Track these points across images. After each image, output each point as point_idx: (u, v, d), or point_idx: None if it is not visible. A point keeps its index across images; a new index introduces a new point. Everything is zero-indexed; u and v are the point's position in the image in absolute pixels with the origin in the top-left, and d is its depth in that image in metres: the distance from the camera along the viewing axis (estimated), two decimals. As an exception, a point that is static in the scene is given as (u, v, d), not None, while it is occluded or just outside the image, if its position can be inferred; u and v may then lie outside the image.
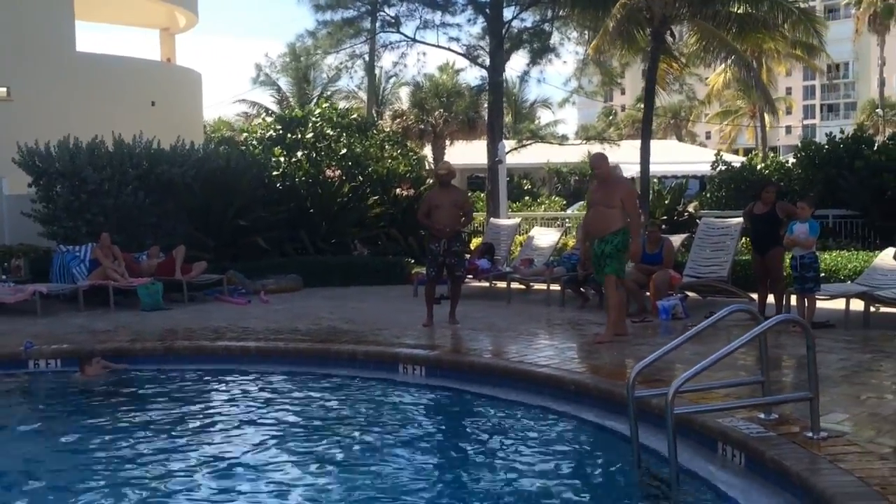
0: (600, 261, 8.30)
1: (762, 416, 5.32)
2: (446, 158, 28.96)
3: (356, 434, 6.28)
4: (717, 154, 20.23)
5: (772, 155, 22.32)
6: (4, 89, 16.32)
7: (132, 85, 18.19)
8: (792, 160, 17.52)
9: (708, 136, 72.17)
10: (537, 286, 12.44)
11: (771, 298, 9.56)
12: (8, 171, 14.26)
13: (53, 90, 16.51)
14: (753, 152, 29.88)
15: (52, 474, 5.46)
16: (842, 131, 16.65)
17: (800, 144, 18.39)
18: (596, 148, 31.60)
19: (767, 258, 9.46)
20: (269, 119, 23.15)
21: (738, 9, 16.40)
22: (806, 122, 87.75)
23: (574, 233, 15.90)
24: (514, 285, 12.38)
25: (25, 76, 16.36)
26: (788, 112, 71.19)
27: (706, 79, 38.72)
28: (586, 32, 19.93)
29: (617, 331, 8.40)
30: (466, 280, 11.49)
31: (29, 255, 12.92)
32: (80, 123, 14.33)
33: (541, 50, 20.90)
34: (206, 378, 8.11)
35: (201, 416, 6.90)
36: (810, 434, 4.92)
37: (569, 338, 8.92)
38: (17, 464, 5.77)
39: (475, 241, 17.16)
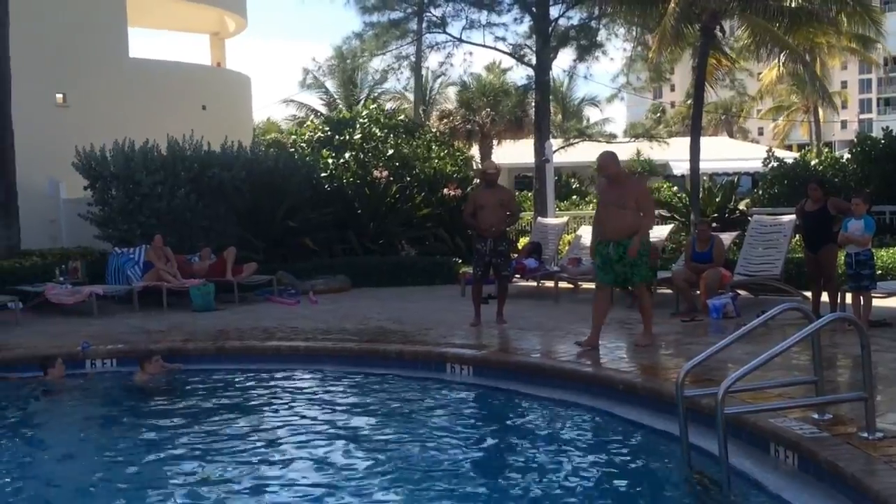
0: (615, 265, 7.84)
1: (816, 416, 5.23)
2: (493, 158, 28.93)
3: (403, 433, 6.31)
4: (770, 150, 19.88)
5: (826, 151, 21.85)
6: (61, 95, 16.72)
7: (184, 89, 18.49)
8: (847, 156, 17.14)
9: (760, 133, 70.99)
10: (585, 285, 12.35)
11: (825, 297, 9.37)
12: (65, 176, 14.63)
13: (108, 95, 16.87)
14: (807, 148, 29.32)
15: (111, 470, 5.60)
16: (899, 125, 16.24)
17: (855, 139, 17.96)
18: (645, 146, 31.38)
19: (820, 256, 9.28)
20: (316, 121, 23.36)
21: (790, 2, 16.08)
22: (862, 116, 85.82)
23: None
24: (562, 284, 12.31)
25: (81, 82, 16.74)
26: (843, 106, 69.64)
27: (758, 74, 38.06)
28: (633, 29, 19.74)
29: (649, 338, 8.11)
30: (514, 279, 11.47)
31: (86, 257, 13.22)
32: (133, 127, 14.62)
33: (588, 47, 20.76)
34: (257, 377, 8.21)
35: (252, 414, 7.01)
36: (865, 435, 4.82)
37: (617, 337, 8.85)
38: (78, 458, 5.93)
39: (523, 241, 17.11)
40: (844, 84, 78.15)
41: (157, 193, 13.09)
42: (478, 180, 16.15)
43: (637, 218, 7.79)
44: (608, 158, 8.07)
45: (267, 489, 5.13)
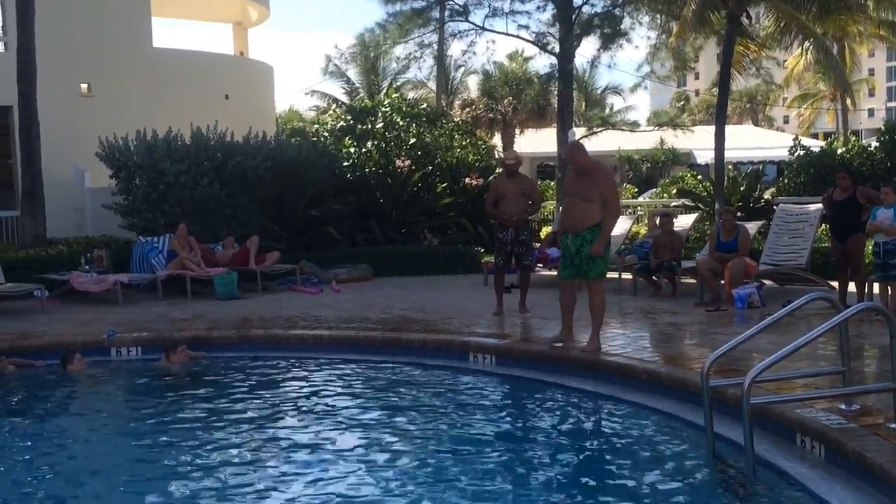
0: (575, 258, 7.42)
1: (843, 406, 5.17)
2: (516, 147, 28.84)
3: (426, 421, 6.31)
4: (796, 139, 19.65)
5: (853, 139, 21.56)
6: (86, 85, 16.83)
7: (206, 79, 18.56)
8: (875, 144, 16.90)
9: (786, 121, 70.23)
10: (608, 275, 12.27)
11: (852, 286, 9.27)
12: (90, 165, 14.74)
13: (131, 85, 16.96)
14: (833, 136, 28.96)
15: (136, 455, 5.65)
16: (928, 113, 15.99)
17: (883, 127, 17.70)
18: (669, 134, 31.12)
19: (848, 245, 9.17)
20: (339, 110, 23.36)
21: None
22: (890, 104, 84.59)
23: (646, 220, 15.65)
24: (606, 273, 12.20)
25: (105, 72, 16.84)
26: (871, 94, 68.72)
27: (784, 61, 37.63)
28: (658, 16, 19.56)
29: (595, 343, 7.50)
30: (536, 269, 11.44)
31: (110, 246, 13.33)
32: (157, 117, 14.70)
33: (612, 35, 20.56)
34: (280, 366, 8.25)
35: (275, 402, 7.03)
36: (893, 426, 4.76)
37: (641, 326, 8.81)
38: (105, 445, 5.99)
39: (545, 230, 17.05)
40: (872, 71, 77.06)
41: (180, 182, 13.16)
42: (500, 169, 16.11)
43: (601, 211, 7.35)
44: (574, 150, 7.76)
45: (289, 477, 5.15)
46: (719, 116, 16.94)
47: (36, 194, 13.25)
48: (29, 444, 6.07)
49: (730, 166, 20.03)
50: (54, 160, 14.09)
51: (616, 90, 42.20)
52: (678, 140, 30.75)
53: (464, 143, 18.89)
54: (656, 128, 32.01)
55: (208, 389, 7.45)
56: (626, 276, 11.50)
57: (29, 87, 13.07)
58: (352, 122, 19.35)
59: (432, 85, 33.97)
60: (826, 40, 17.41)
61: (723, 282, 10.02)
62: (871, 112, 79.20)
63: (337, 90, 36.18)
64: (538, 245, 12.66)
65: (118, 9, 17.26)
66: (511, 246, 9.58)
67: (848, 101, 35.44)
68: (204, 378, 7.91)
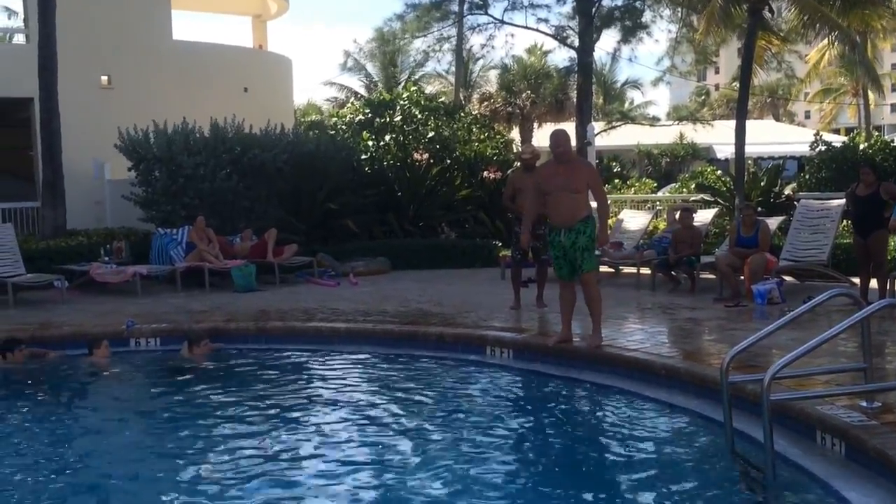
0: (568, 253, 7.25)
1: (864, 404, 5.11)
2: (534, 141, 28.78)
3: (443, 415, 6.31)
4: (817, 134, 19.47)
5: (876, 134, 21.34)
6: (106, 77, 16.90)
7: (226, 71, 18.59)
8: (897, 139, 16.75)
9: (807, 116, 69.57)
10: (626, 270, 12.24)
11: (874, 283, 9.18)
12: (110, 157, 14.81)
13: (151, 77, 17.02)
14: (856, 131, 28.69)
15: (152, 444, 5.69)
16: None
17: (906, 123, 17.51)
18: (688, 129, 30.96)
19: (870, 241, 9.08)
20: (357, 103, 23.36)
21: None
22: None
23: (665, 215, 15.55)
24: (603, 269, 12.18)
25: (125, 64, 16.90)
26: (894, 89, 67.95)
27: (806, 56, 37.28)
28: (679, 10, 19.43)
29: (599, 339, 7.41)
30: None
31: (130, 237, 13.40)
32: (176, 109, 14.73)
33: (632, 28, 20.48)
34: (297, 358, 8.27)
35: (292, 394, 7.04)
36: (916, 424, 4.71)
37: (659, 322, 8.76)
38: (125, 435, 6.02)
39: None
40: (895, 66, 76.17)
41: (199, 175, 13.20)
42: (517, 163, 16.06)
43: (588, 202, 7.23)
44: (562, 136, 7.45)
45: (305, 467, 5.15)
46: (740, 111, 16.80)
47: (56, 186, 13.34)
48: (45, 431, 6.13)
49: (750, 161, 19.87)
50: (75, 152, 14.17)
51: (636, 84, 42.04)
52: (698, 135, 30.62)
53: (482, 136, 18.84)
54: (676, 122, 31.86)
55: (225, 381, 7.48)
56: (645, 271, 11.43)
57: (50, 80, 13.15)
58: (370, 115, 19.34)
59: (451, 79, 33.95)
60: (851, 34, 17.17)
61: (742, 277, 9.94)
62: (893, 107, 78.29)
63: (355, 83, 36.25)
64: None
65: (138, 1, 17.31)
66: None
67: (871, 96, 35.09)
68: (221, 369, 7.94)
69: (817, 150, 17.13)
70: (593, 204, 7.59)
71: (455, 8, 22.16)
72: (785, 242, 10.80)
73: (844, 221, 11.26)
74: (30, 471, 5.21)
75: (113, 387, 7.66)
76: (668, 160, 34.73)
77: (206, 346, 8.35)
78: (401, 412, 6.41)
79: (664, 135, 32.17)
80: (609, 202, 9.30)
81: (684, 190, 19.66)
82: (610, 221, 15.40)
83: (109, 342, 8.38)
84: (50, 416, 6.59)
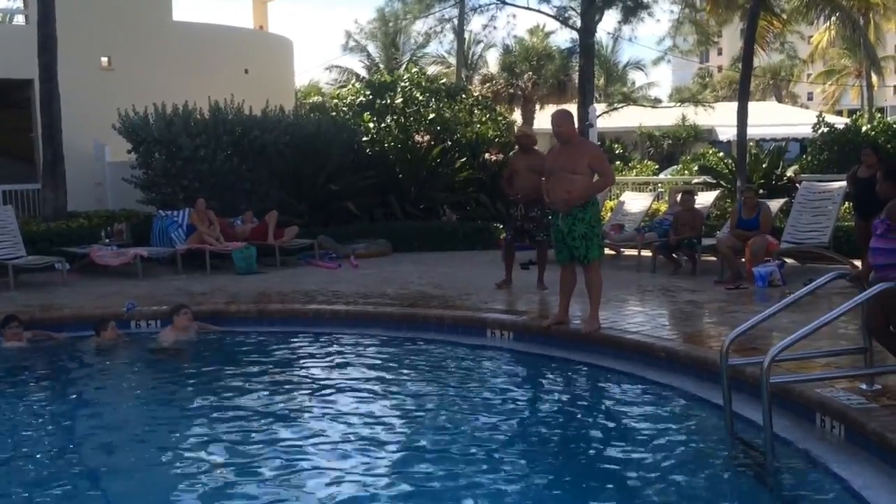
0: (567, 238, 7.19)
1: (864, 386, 5.13)
2: (535, 123, 28.69)
3: (444, 396, 6.31)
4: (820, 115, 19.40)
5: (878, 116, 21.23)
6: (106, 59, 16.85)
7: (226, 52, 18.52)
8: (901, 121, 16.68)
9: (810, 98, 69.27)
10: (628, 252, 12.23)
11: (875, 265, 9.15)
12: (110, 139, 14.78)
13: (151, 59, 16.96)
14: (858, 113, 28.57)
15: (155, 429, 5.70)
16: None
17: (909, 104, 17.44)
18: (690, 111, 30.82)
19: (872, 223, 9.04)
20: (358, 85, 23.28)
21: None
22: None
23: (667, 197, 15.52)
24: (604, 251, 12.17)
25: (125, 45, 16.84)
26: (897, 71, 67.60)
27: (809, 37, 37.08)
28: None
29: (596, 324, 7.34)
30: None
31: (130, 219, 13.38)
32: (176, 91, 14.70)
33: (633, 8, 20.34)
34: (298, 340, 8.26)
35: (292, 376, 7.06)
36: (916, 406, 4.72)
37: (660, 304, 8.76)
38: (125, 416, 6.04)
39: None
40: (898, 47, 75.72)
41: (199, 157, 13.17)
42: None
43: (588, 185, 7.10)
44: (563, 116, 7.34)
45: (305, 450, 5.16)
46: (742, 93, 16.74)
47: (57, 168, 13.31)
48: (47, 411, 6.15)
49: (752, 143, 19.81)
50: (75, 134, 14.14)
51: (638, 65, 41.83)
52: (700, 116, 30.49)
53: (483, 118, 18.79)
54: (678, 104, 31.71)
55: (224, 363, 7.48)
56: (646, 253, 11.43)
57: (50, 61, 13.08)
58: (371, 96, 19.28)
59: (452, 60, 33.82)
60: (853, 14, 17.09)
61: (743, 260, 9.93)
62: (896, 89, 77.97)
63: (356, 65, 36.12)
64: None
65: (138, -18, 17.24)
66: (521, 222, 9.56)
67: (874, 78, 34.92)
68: (220, 352, 7.95)
69: (820, 131, 17.08)
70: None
71: (456, -12, 22.03)
72: (786, 225, 10.79)
73: (846, 203, 11.23)
74: (39, 446, 5.24)
75: (111, 367, 7.67)
76: (670, 142, 34.63)
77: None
78: (401, 394, 6.42)
79: (666, 116, 32.06)
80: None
81: (686, 172, 19.65)
82: (611, 204, 15.47)
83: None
84: (55, 398, 6.61)
